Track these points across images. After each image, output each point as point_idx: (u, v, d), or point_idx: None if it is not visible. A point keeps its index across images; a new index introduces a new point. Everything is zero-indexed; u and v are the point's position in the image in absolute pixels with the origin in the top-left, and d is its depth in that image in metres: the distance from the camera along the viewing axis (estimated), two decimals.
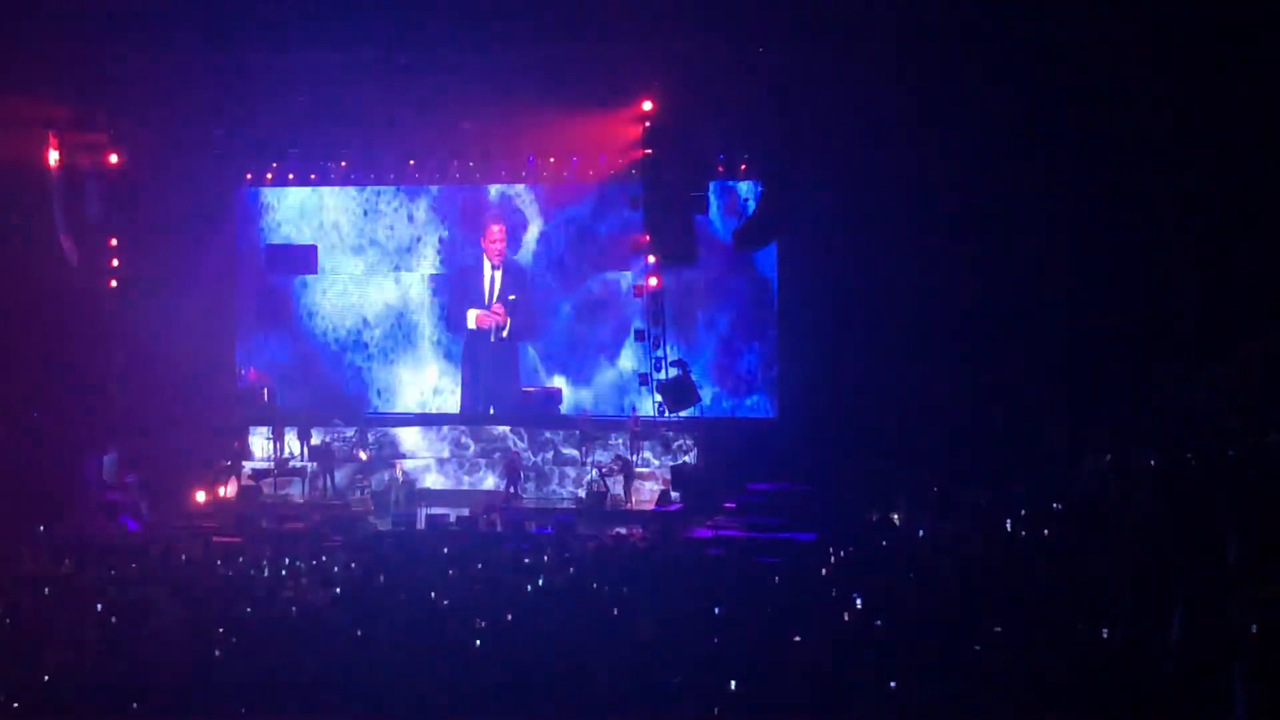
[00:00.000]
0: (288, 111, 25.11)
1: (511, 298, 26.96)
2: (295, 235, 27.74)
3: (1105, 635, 12.65)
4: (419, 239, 27.72)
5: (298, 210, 27.92)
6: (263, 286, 27.93)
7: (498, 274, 27.00)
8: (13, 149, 23.55)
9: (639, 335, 25.32)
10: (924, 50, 21.90)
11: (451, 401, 27.63)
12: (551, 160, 26.94)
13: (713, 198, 25.61)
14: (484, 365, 27.23)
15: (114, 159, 25.27)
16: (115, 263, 25.37)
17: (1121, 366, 21.71)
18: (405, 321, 27.81)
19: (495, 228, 27.05)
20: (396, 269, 27.61)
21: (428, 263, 27.57)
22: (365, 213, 27.79)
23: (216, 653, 13.63)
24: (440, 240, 27.51)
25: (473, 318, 27.09)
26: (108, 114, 24.79)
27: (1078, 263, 22.28)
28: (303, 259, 27.50)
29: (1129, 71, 21.27)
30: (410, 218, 27.75)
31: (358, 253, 27.83)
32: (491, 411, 27.16)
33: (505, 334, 26.90)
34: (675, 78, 23.13)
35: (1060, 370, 22.25)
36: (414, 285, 27.74)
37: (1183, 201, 21.30)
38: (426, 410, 27.67)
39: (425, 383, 27.77)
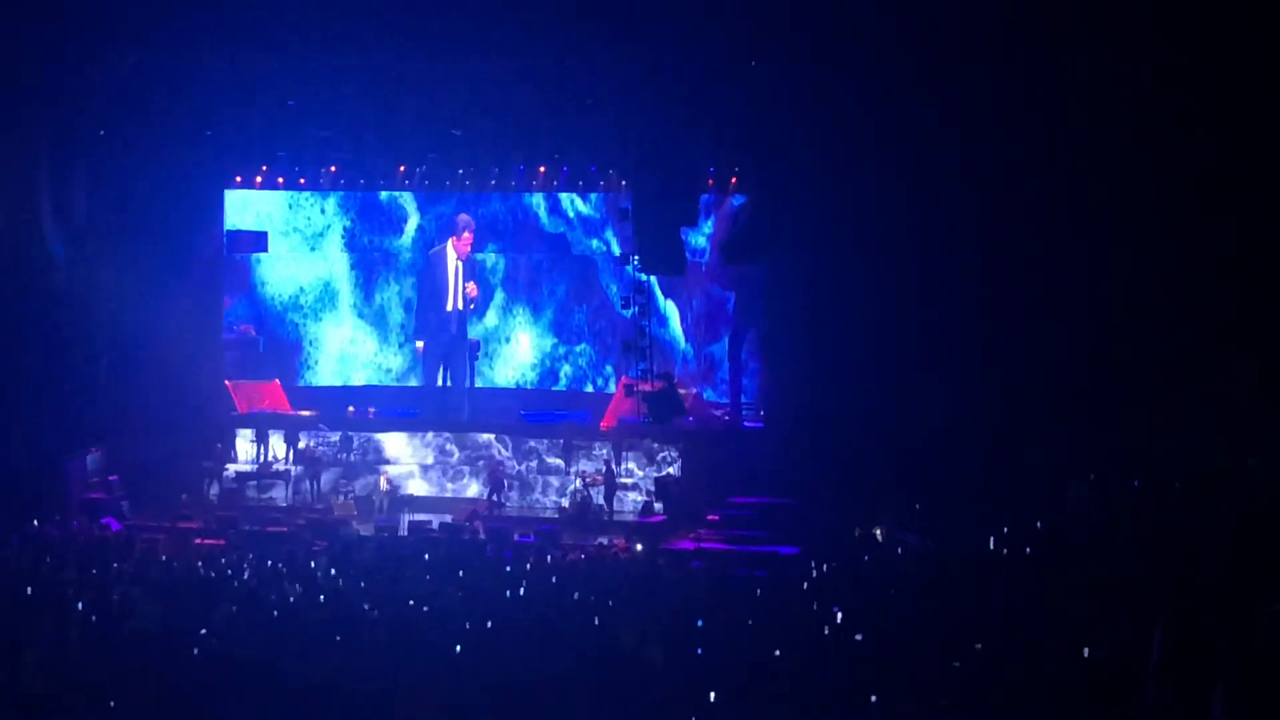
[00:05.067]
0: (277, 115, 25.14)
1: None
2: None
3: (1086, 654, 12.66)
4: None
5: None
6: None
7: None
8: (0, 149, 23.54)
9: (626, 346, 25.27)
10: (917, 64, 21.96)
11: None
12: (542, 170, 27.00)
13: None
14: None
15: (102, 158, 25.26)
16: (102, 263, 25.23)
17: (1106, 389, 21.76)
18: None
19: (467, 234, 27.75)
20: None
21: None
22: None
23: (195, 652, 13.62)
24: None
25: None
26: (98, 114, 24.68)
27: (1066, 285, 22.33)
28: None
29: (1123, 109, 21.35)
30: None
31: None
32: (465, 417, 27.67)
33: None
34: (667, 89, 23.14)
35: (1046, 391, 22.30)
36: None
37: (1172, 227, 21.35)
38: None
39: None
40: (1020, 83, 21.89)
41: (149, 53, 23.15)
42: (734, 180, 26.10)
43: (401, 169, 27.34)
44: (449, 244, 27.85)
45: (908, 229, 23.04)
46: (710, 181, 26.11)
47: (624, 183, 26.18)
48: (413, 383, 29.10)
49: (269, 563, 19.10)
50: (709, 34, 22.17)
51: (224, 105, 24.88)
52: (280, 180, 27.85)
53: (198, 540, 21.87)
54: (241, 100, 24.68)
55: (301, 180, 27.93)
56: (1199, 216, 21.15)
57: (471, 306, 27.80)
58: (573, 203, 28.48)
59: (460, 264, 27.76)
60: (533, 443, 26.49)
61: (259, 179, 27.71)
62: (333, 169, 27.40)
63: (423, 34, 22.33)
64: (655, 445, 25.63)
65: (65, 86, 23.69)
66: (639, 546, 21.97)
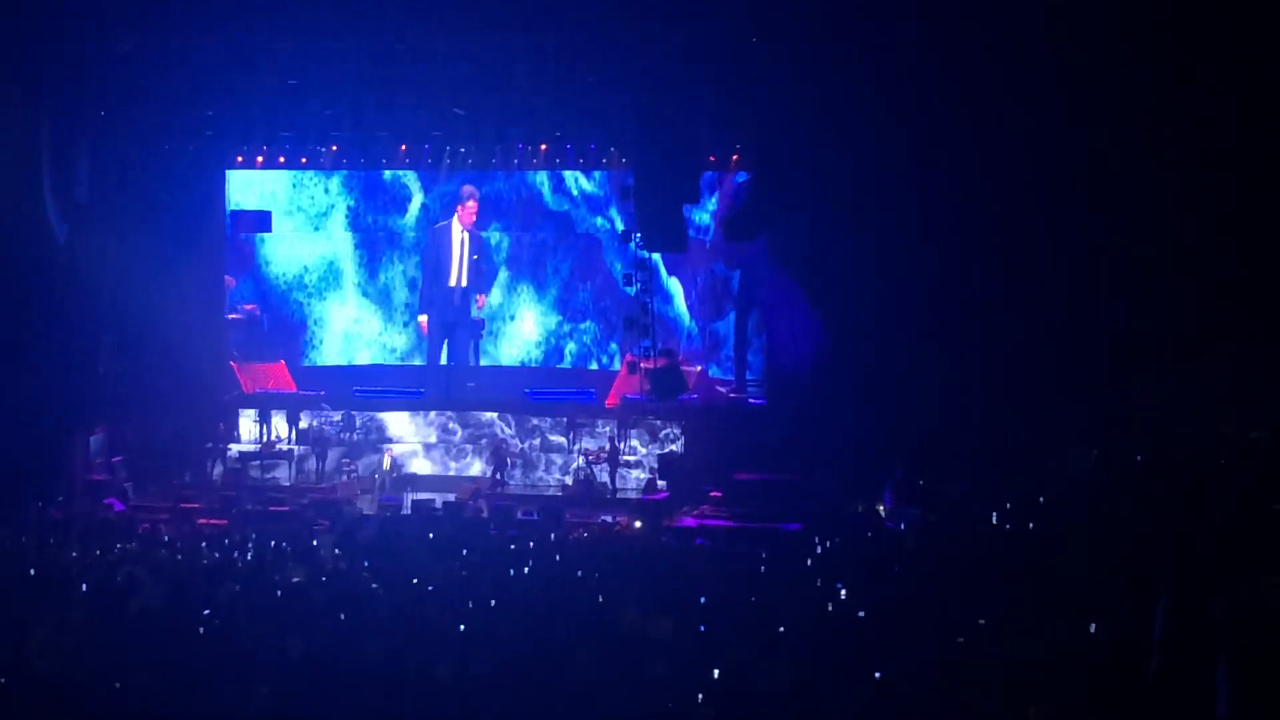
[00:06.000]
0: (278, 94, 25.10)
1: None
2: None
3: (1093, 630, 12.66)
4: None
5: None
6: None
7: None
8: (2, 128, 23.48)
9: (628, 324, 25.27)
10: (921, 40, 21.88)
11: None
12: (544, 147, 26.97)
13: None
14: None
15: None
16: (104, 242, 25.17)
17: (1108, 362, 21.74)
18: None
19: (471, 203, 28.11)
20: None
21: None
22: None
23: (200, 632, 13.64)
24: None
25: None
26: (100, 94, 24.63)
27: (1066, 258, 22.29)
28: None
29: (1124, 74, 21.27)
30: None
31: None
32: (471, 385, 27.90)
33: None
34: (669, 66, 23.08)
35: (1047, 364, 22.27)
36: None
37: (1173, 200, 21.30)
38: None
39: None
40: (1025, 50, 21.81)
41: (150, 31, 23.07)
42: (735, 157, 26.03)
43: (403, 148, 27.33)
44: (454, 217, 27.98)
45: (909, 205, 22.99)
46: (711, 158, 26.04)
47: (624, 159, 26.16)
48: (417, 361, 29.17)
49: (272, 542, 19.14)
50: (710, 9, 22.09)
51: (225, 84, 24.77)
52: (281, 160, 27.83)
53: (201, 520, 21.93)
54: (242, 79, 24.58)
55: (303, 160, 27.92)
56: (1205, 186, 21.09)
57: (478, 306, 27.99)
58: (576, 180, 28.51)
59: (466, 235, 27.95)
60: (536, 421, 26.51)
61: (260, 159, 27.69)
62: (334, 148, 27.37)
63: (423, 11, 22.26)
64: (658, 422, 25.61)
65: (66, 66, 23.64)
66: (637, 524, 22.03)
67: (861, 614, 14.05)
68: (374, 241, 29.51)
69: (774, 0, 22.04)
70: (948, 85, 22.17)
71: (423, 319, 28.53)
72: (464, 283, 27.95)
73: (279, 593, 15.47)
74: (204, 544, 19.32)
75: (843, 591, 14.98)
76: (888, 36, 22.00)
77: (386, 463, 26.10)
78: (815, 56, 22.65)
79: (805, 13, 22.01)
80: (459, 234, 28.02)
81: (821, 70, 22.71)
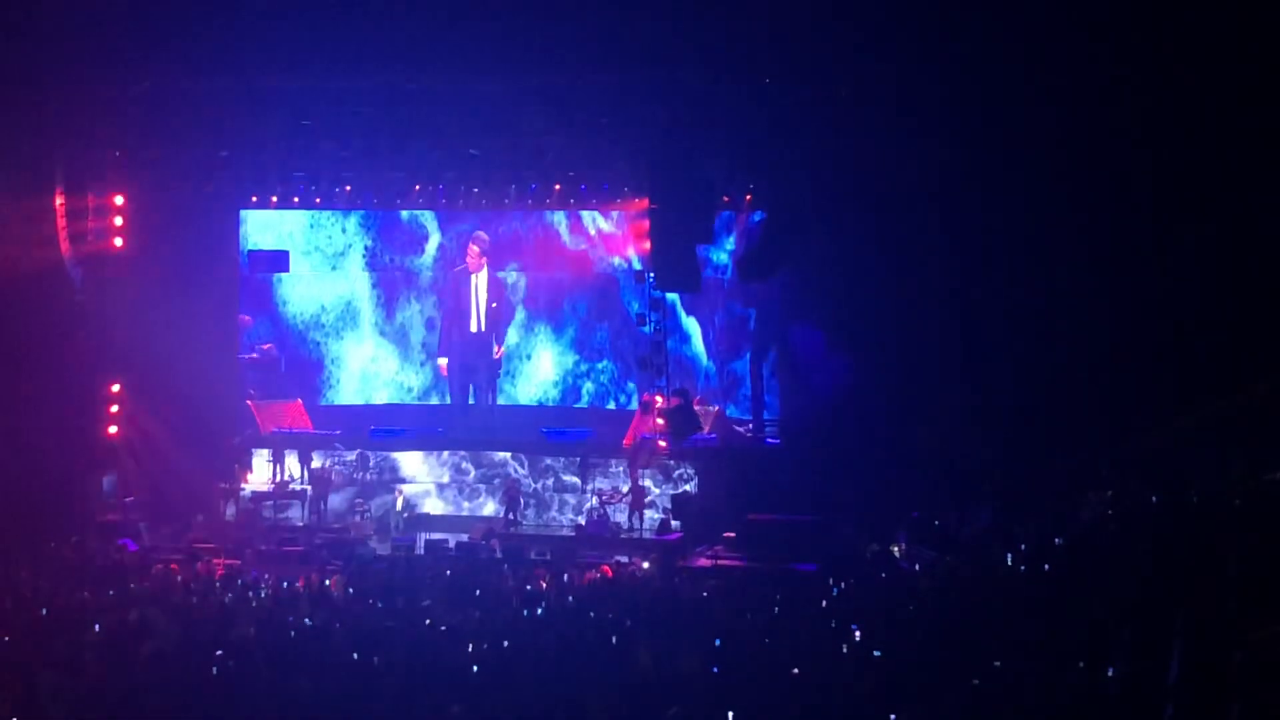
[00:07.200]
0: (292, 135, 25.15)
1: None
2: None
3: (1110, 673, 12.58)
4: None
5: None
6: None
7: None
8: (16, 170, 23.55)
9: (642, 363, 25.26)
10: (936, 79, 21.91)
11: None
12: (557, 187, 26.96)
13: None
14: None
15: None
16: (119, 283, 25.20)
17: (1124, 404, 21.68)
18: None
19: (474, 247, 28.44)
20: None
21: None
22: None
23: (213, 672, 13.60)
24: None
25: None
26: (113, 137, 24.71)
27: (1083, 299, 22.26)
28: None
29: (1142, 119, 21.27)
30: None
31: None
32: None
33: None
34: (682, 106, 23.11)
35: (1062, 406, 22.21)
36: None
37: (1189, 241, 21.26)
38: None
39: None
40: (1040, 91, 21.82)
41: (164, 74, 23.16)
42: (749, 197, 26.00)
43: (417, 188, 27.35)
44: (466, 262, 28.14)
45: (923, 246, 22.97)
46: (726, 199, 26.01)
47: (637, 200, 26.17)
48: (434, 400, 29.17)
49: (285, 583, 19.11)
50: (723, 51, 22.14)
51: (240, 125, 24.87)
52: (296, 200, 27.84)
53: (214, 561, 21.88)
54: (256, 120, 24.68)
55: (317, 200, 27.93)
56: (1224, 227, 21.05)
57: (496, 354, 28.14)
58: (594, 220, 28.50)
59: (485, 281, 28.21)
60: (549, 460, 26.45)
61: (274, 199, 27.71)
62: (347, 188, 27.39)
63: (436, 52, 22.33)
64: (672, 462, 25.52)
65: (81, 108, 23.73)
66: (645, 565, 21.99)
67: (877, 654, 13.99)
68: (391, 281, 29.57)
69: (787, 41, 22.06)
70: (964, 126, 22.18)
71: (442, 362, 28.59)
72: (484, 327, 28.05)
73: (292, 634, 15.45)
74: (217, 585, 19.29)
75: (857, 633, 14.91)
76: (902, 75, 22.03)
77: (399, 503, 26.06)
78: (828, 98, 22.70)
79: (819, 53, 22.05)
80: (476, 279, 28.14)
81: (834, 111, 22.75)
